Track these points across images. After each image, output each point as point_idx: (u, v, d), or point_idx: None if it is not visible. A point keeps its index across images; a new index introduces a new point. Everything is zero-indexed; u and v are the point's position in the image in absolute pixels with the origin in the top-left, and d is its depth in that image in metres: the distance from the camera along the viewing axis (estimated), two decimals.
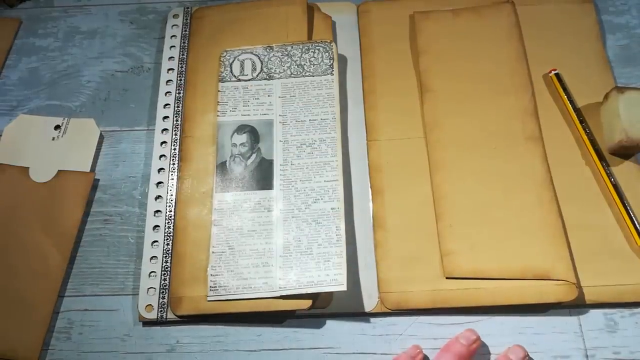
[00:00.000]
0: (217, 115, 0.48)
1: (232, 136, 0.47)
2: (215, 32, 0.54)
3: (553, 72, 0.51)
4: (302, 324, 0.43)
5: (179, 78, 0.53)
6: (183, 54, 0.55)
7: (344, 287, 0.41)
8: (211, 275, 0.43)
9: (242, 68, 0.49)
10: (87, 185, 0.49)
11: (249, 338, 0.43)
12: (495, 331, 0.42)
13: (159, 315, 0.43)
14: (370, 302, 0.43)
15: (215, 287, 0.42)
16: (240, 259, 0.43)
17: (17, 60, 0.57)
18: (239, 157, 0.46)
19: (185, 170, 0.48)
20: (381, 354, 0.42)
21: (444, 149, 0.47)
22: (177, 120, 0.51)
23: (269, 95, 0.48)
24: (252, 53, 0.50)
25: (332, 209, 0.44)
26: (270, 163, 0.46)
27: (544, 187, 0.45)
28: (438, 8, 0.54)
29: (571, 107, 0.49)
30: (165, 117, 0.52)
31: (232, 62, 0.50)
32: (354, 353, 0.42)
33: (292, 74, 0.49)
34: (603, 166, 0.47)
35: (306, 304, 0.42)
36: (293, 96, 0.48)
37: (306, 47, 0.49)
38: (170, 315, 0.43)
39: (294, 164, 0.45)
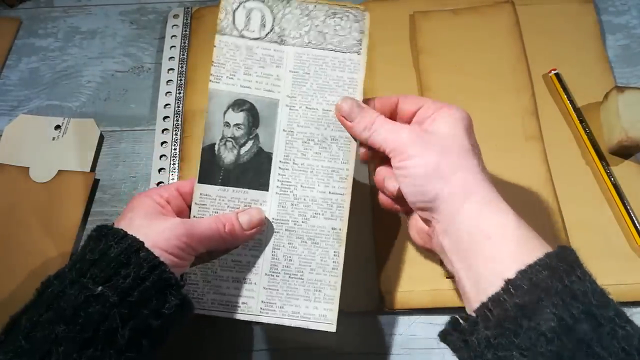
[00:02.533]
0: (210, 81, 0.37)
1: (225, 112, 0.37)
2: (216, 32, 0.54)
3: (553, 72, 0.51)
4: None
5: (179, 78, 0.53)
6: (183, 54, 0.55)
7: (332, 328, 0.36)
8: (186, 283, 0.37)
9: (249, 21, 0.37)
10: (87, 186, 0.49)
11: (249, 338, 0.43)
12: None
13: None
14: (370, 302, 0.43)
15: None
16: (219, 269, 0.37)
17: (17, 60, 0.57)
18: (232, 141, 0.37)
19: (186, 170, 0.48)
20: (381, 353, 0.42)
21: None
22: (177, 120, 0.51)
23: (277, 66, 0.37)
24: (264, 3, 0.37)
25: (332, 229, 0.37)
26: (268, 157, 0.37)
27: (544, 186, 0.45)
28: (438, 8, 0.54)
29: (571, 107, 0.49)
30: (166, 117, 0.52)
31: (237, 8, 0.38)
32: (354, 353, 0.42)
33: (309, 42, 0.37)
34: (603, 166, 0.47)
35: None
36: (307, 73, 0.37)
37: (332, 11, 0.38)
38: None
39: (296, 163, 0.37)
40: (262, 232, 0.37)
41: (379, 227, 0.45)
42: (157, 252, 0.31)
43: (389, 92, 0.51)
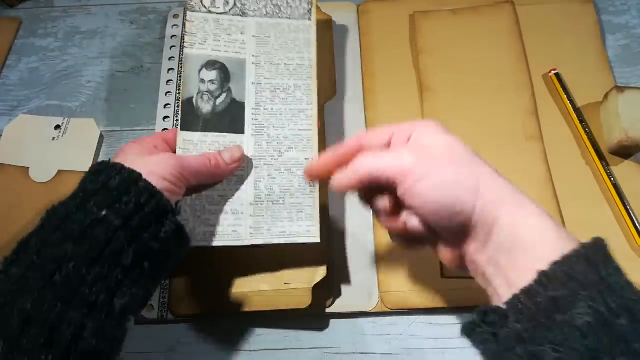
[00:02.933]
0: (184, 47, 0.43)
1: (200, 71, 0.42)
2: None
3: (553, 72, 0.51)
4: (302, 323, 0.43)
5: (179, 78, 0.53)
6: (183, 54, 0.55)
7: (317, 239, 0.40)
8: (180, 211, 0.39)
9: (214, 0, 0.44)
10: None
11: (249, 338, 0.43)
12: None
13: (159, 315, 0.43)
14: (370, 302, 0.43)
15: None
16: (207, 204, 0.40)
17: (17, 60, 0.57)
18: (207, 94, 0.42)
19: None
20: (381, 353, 0.42)
21: None
22: (177, 120, 0.51)
23: (242, 33, 0.43)
24: None
25: (305, 158, 0.41)
26: (241, 105, 0.42)
27: (544, 186, 0.45)
28: (438, 8, 0.54)
29: (571, 107, 0.49)
30: (166, 117, 0.52)
31: None
32: (354, 353, 0.42)
33: (267, 13, 0.44)
34: (603, 166, 0.47)
35: (305, 302, 0.41)
36: (268, 37, 0.44)
37: None
38: (171, 315, 0.43)
39: (266, 109, 0.42)
40: (242, 168, 0.41)
41: (379, 227, 0.45)
42: (153, 181, 0.33)
43: (389, 91, 0.51)
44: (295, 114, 0.42)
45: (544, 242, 0.27)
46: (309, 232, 0.40)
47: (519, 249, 0.28)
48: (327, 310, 0.43)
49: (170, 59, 0.55)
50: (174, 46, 0.55)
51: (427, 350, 0.42)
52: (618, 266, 0.26)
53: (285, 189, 0.41)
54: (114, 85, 0.55)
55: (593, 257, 0.26)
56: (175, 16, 0.57)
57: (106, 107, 0.54)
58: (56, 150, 0.51)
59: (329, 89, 0.52)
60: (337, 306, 0.43)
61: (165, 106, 0.52)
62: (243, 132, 0.41)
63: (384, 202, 0.32)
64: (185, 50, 0.42)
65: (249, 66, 0.43)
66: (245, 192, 0.40)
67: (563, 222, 0.44)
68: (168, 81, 0.53)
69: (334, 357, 0.42)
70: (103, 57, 0.57)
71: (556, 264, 0.26)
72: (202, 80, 0.42)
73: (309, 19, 0.45)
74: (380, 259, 0.44)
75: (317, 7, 0.55)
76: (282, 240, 0.39)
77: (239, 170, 0.40)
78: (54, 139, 0.51)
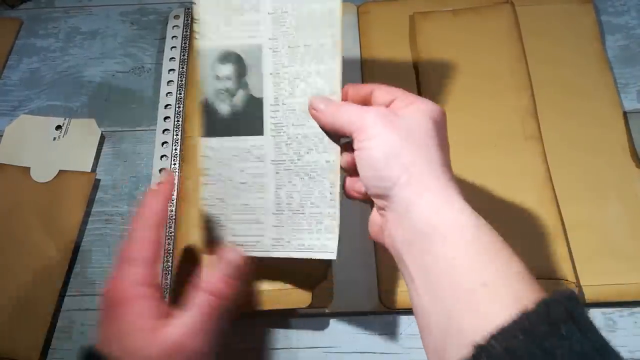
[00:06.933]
0: (195, 39, 0.38)
1: (213, 66, 0.38)
2: None
3: None
4: (303, 323, 0.44)
5: (179, 78, 0.54)
6: (184, 55, 0.55)
7: (333, 256, 0.37)
8: (203, 230, 0.39)
9: None
10: (88, 186, 0.49)
11: (250, 337, 0.43)
12: None
13: None
14: (370, 302, 0.43)
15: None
16: (232, 214, 0.39)
17: (18, 60, 0.57)
18: (224, 93, 0.38)
19: (186, 171, 0.49)
20: (381, 353, 0.42)
21: None
22: (178, 121, 0.51)
23: (255, 11, 0.38)
24: None
25: (326, 161, 0.37)
26: (259, 102, 0.38)
27: (544, 187, 0.45)
28: (438, 8, 0.54)
29: None
30: (167, 118, 0.52)
31: None
32: (354, 352, 0.42)
33: None
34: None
35: (305, 302, 0.42)
36: (285, 12, 0.37)
37: None
38: None
39: (285, 103, 0.37)
40: (263, 174, 0.38)
41: None
42: None
43: None
44: None
45: (465, 250, 0.26)
46: (325, 246, 0.37)
47: (434, 242, 0.27)
48: (327, 310, 0.43)
49: (170, 59, 0.55)
50: (175, 47, 0.55)
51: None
52: (574, 328, 0.22)
53: (306, 196, 0.38)
54: (115, 86, 0.55)
55: (537, 325, 0.22)
56: (176, 17, 0.57)
57: (107, 108, 0.54)
58: (57, 151, 0.51)
59: None
60: (337, 306, 0.43)
61: (165, 106, 0.52)
62: (262, 134, 0.38)
63: (345, 157, 0.35)
64: (196, 43, 0.38)
65: (266, 53, 0.38)
66: (268, 200, 0.38)
67: (563, 222, 0.44)
68: (169, 82, 0.54)
69: (334, 357, 0.42)
70: (104, 58, 0.57)
71: (495, 338, 0.23)
72: (217, 77, 0.38)
73: None
74: (381, 259, 0.45)
75: None
76: (300, 255, 0.37)
77: (260, 177, 0.38)
78: (54, 139, 0.52)
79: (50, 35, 0.59)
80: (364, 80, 0.53)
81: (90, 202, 0.49)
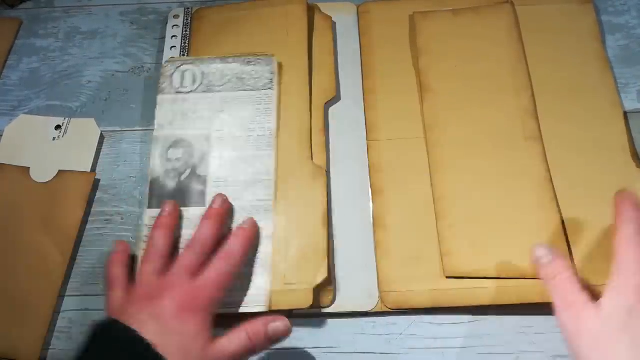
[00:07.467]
0: (154, 129, 0.47)
1: (167, 150, 0.46)
2: (216, 33, 0.55)
3: None
4: (302, 323, 0.43)
5: None
6: (184, 55, 0.55)
7: (262, 307, 0.41)
8: None
9: (183, 79, 0.48)
10: (87, 186, 0.49)
11: None
12: (495, 331, 0.42)
13: None
14: (370, 302, 0.43)
15: None
16: None
17: (17, 60, 0.57)
18: (173, 172, 0.45)
19: None
20: (381, 353, 0.42)
21: (444, 149, 0.48)
22: None
23: (207, 110, 0.47)
24: (193, 64, 0.49)
25: (261, 229, 0.43)
26: (204, 179, 0.45)
27: (544, 187, 0.45)
28: (438, 8, 0.54)
29: None
30: None
31: (173, 73, 0.49)
32: (354, 353, 0.42)
33: (232, 87, 0.48)
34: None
35: (307, 302, 0.41)
36: (231, 110, 0.47)
37: (247, 60, 0.49)
38: None
39: (227, 180, 0.45)
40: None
41: (379, 227, 0.46)
42: None
43: (389, 92, 0.51)
44: (253, 184, 0.45)
45: None
46: (255, 300, 0.41)
47: None
48: (327, 310, 0.43)
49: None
50: (174, 47, 0.55)
51: (427, 350, 0.42)
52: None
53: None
54: (115, 86, 0.55)
55: None
56: (176, 16, 0.57)
57: (106, 107, 0.54)
58: (57, 150, 0.51)
59: (329, 88, 0.52)
60: (337, 306, 0.43)
61: None
62: (204, 205, 0.44)
63: None
64: (154, 133, 0.47)
65: (213, 141, 0.46)
66: None
67: (563, 222, 0.44)
68: None
69: (334, 357, 0.42)
70: (103, 57, 0.57)
71: None
72: (169, 159, 0.46)
73: (271, 89, 0.48)
74: (380, 259, 0.44)
75: (318, 8, 0.55)
76: (229, 311, 0.40)
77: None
78: (54, 139, 0.52)
79: (50, 35, 0.59)
80: (364, 80, 0.52)
81: (90, 202, 0.49)
